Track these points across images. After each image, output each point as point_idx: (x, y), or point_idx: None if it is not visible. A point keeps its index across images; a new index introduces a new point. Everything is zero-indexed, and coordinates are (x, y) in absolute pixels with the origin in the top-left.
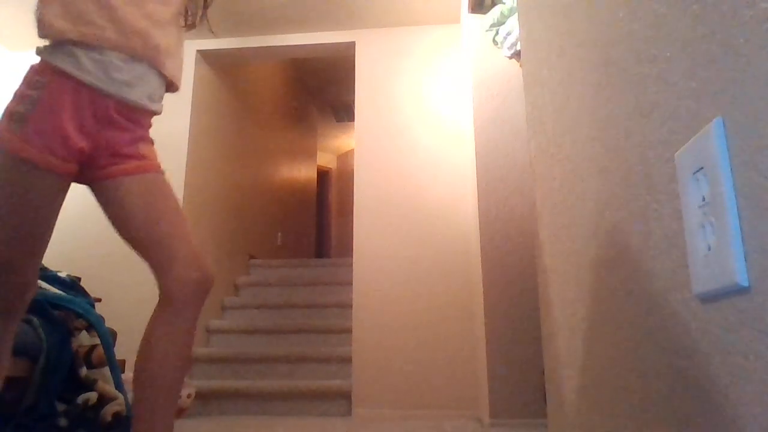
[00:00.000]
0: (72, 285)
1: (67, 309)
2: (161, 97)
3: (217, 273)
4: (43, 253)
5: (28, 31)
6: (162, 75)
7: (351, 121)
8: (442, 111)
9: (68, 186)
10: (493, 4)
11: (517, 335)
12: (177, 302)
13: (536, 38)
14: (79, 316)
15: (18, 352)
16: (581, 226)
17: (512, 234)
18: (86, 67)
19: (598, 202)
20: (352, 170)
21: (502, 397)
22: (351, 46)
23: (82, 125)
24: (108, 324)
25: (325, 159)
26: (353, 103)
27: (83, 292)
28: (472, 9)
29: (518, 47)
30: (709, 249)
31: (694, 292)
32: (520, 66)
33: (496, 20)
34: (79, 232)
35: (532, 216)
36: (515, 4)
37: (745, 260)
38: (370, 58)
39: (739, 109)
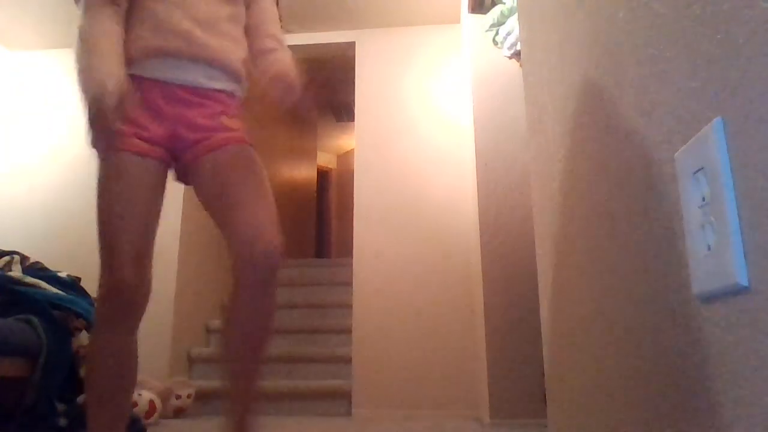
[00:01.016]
0: (72, 285)
1: (67, 309)
2: (228, 78)
3: (217, 273)
4: (150, 254)
5: (28, 31)
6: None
7: (351, 121)
8: (442, 111)
9: (162, 173)
10: (493, 4)
11: (517, 335)
12: (238, 280)
13: (536, 38)
14: (79, 316)
15: (18, 352)
16: (581, 226)
17: (512, 234)
18: (141, 65)
19: (598, 203)
20: (352, 170)
21: (502, 397)
22: (351, 46)
23: (154, 111)
24: None
25: (325, 159)
26: (353, 103)
27: (83, 292)
28: (472, 9)
29: (518, 47)
30: (709, 249)
31: (694, 292)
32: (520, 66)
33: (496, 20)
34: (79, 232)
35: (532, 216)
36: (515, 4)
37: (745, 260)
38: (370, 58)
39: (739, 109)
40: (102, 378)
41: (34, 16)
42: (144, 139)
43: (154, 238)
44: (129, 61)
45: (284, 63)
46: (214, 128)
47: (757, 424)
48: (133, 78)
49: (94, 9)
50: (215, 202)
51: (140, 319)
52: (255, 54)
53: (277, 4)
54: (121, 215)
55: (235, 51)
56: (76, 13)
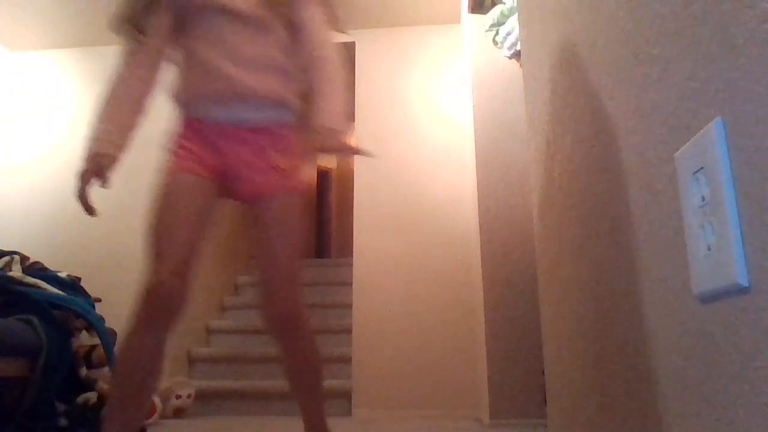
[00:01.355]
0: (72, 285)
1: (67, 309)
2: (278, 109)
3: (217, 273)
4: (192, 266)
5: (28, 31)
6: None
7: (351, 121)
8: (442, 111)
9: (215, 192)
10: (493, 4)
11: (517, 335)
12: (270, 328)
13: (536, 38)
14: (79, 316)
15: (18, 352)
16: (581, 226)
17: (512, 234)
18: (193, 107)
19: (598, 203)
20: (352, 170)
21: (502, 397)
22: (351, 46)
23: (210, 145)
24: (108, 324)
25: (325, 159)
26: (353, 103)
27: (83, 292)
28: (472, 9)
29: (518, 47)
30: (709, 249)
31: (694, 292)
32: (520, 66)
33: (496, 20)
34: (79, 232)
35: (532, 216)
36: (515, 4)
37: (745, 260)
38: (370, 59)
39: (739, 109)
40: (126, 375)
41: (34, 16)
42: (199, 164)
43: (198, 251)
44: (182, 103)
45: (329, 105)
46: (265, 170)
47: (757, 423)
48: (188, 117)
49: (126, 52)
50: (252, 246)
51: (172, 326)
52: (304, 65)
53: (327, 4)
54: (169, 226)
55: (282, 82)
56: (75, 13)
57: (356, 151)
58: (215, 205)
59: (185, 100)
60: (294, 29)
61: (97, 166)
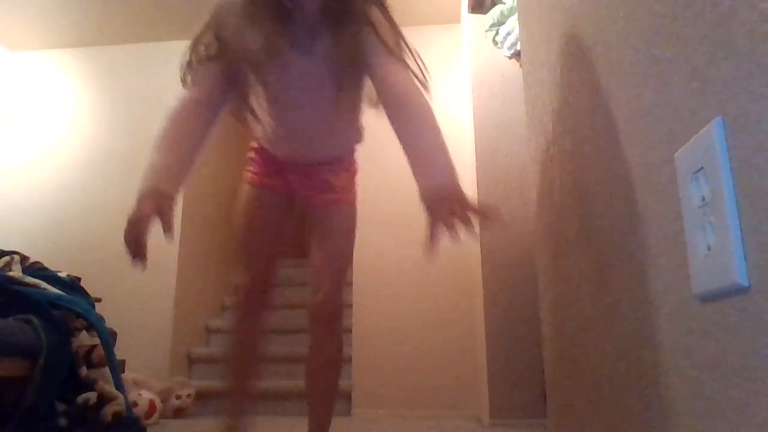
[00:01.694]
0: (72, 285)
1: (67, 309)
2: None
3: (217, 273)
4: (268, 263)
5: (28, 31)
6: None
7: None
8: (442, 111)
9: (285, 202)
10: (493, 4)
11: (517, 335)
12: (310, 320)
13: (536, 38)
14: (79, 316)
15: (18, 352)
16: (581, 226)
17: (512, 234)
18: (270, 143)
19: (598, 203)
20: None
21: (502, 397)
22: None
23: (275, 170)
24: (108, 324)
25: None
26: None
27: (83, 292)
28: (472, 9)
29: (518, 47)
30: (709, 249)
31: (694, 292)
32: (520, 66)
33: (496, 20)
34: (79, 232)
35: (531, 216)
36: (515, 4)
37: (745, 260)
38: None
39: (739, 109)
40: (229, 350)
41: (34, 16)
42: (271, 178)
43: (277, 255)
44: (257, 138)
45: (434, 161)
46: (322, 189)
47: (757, 424)
48: (263, 147)
49: (188, 87)
50: (309, 251)
51: (264, 314)
52: (378, 91)
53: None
54: (251, 240)
55: (348, 139)
56: (75, 13)
57: (484, 212)
58: (287, 211)
59: (260, 139)
60: (373, 80)
61: (156, 207)
